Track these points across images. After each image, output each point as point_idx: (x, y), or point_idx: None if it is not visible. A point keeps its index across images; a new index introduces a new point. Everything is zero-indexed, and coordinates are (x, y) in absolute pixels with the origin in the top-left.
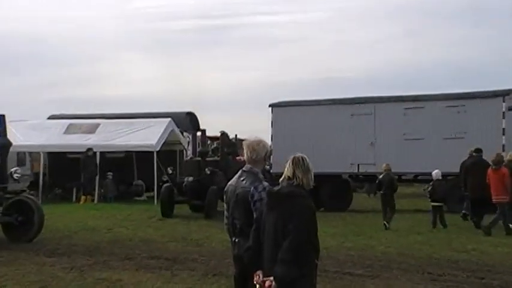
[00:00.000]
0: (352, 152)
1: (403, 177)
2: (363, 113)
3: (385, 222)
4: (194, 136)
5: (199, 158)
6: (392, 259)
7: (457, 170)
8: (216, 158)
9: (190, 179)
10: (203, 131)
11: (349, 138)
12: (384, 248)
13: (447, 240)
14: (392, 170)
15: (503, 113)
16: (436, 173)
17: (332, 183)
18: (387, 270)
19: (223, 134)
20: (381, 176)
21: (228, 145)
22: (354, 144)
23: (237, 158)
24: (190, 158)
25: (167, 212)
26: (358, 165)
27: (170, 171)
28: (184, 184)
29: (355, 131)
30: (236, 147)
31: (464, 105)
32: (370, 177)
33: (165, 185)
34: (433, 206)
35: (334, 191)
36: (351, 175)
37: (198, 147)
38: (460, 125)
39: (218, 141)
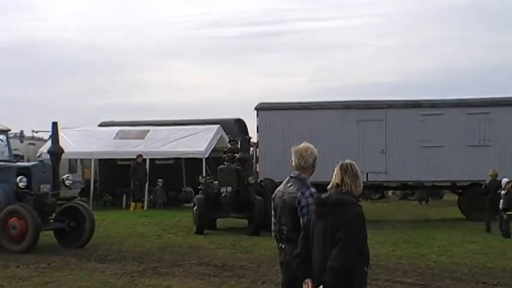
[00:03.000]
0: (360, 159)
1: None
2: (371, 119)
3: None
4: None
5: (238, 166)
6: (445, 268)
7: (484, 177)
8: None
9: (229, 189)
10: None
11: (354, 145)
12: (436, 257)
13: (502, 249)
14: (408, 178)
15: None
16: (505, 182)
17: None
18: (439, 279)
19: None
20: (487, 181)
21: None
22: (361, 152)
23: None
24: (227, 165)
25: (202, 228)
26: (367, 173)
27: (203, 180)
28: (223, 195)
29: (362, 138)
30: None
31: (489, 113)
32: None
33: (197, 196)
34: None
35: None
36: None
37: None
38: (485, 132)
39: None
